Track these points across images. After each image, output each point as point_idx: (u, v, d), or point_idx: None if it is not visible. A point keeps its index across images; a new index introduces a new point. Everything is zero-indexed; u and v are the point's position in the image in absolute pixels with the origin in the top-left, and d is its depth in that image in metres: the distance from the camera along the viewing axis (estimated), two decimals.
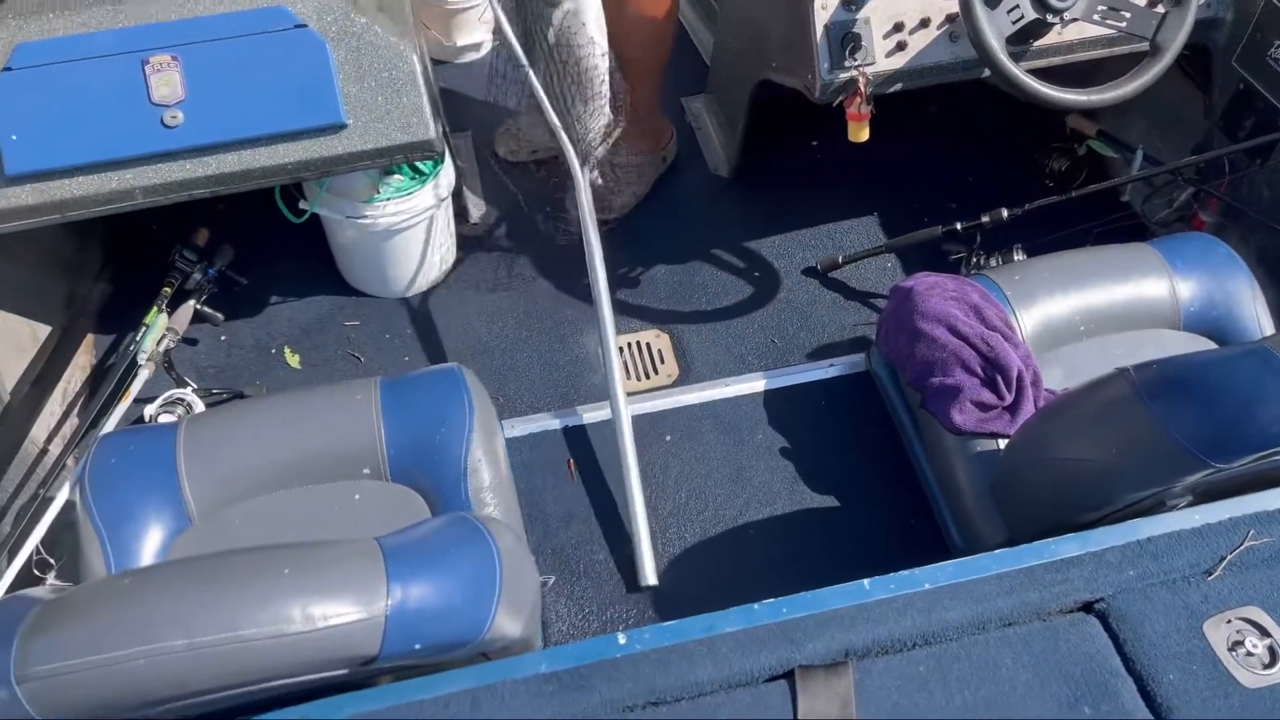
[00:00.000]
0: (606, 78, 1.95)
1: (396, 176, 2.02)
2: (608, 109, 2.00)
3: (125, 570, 1.28)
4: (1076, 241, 2.05)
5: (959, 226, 2.03)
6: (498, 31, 2.00)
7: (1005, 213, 1.98)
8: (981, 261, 2.05)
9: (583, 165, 2.03)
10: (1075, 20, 1.79)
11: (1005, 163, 2.45)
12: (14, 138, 1.63)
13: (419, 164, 2.03)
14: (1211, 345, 1.66)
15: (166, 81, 1.67)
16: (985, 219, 2.00)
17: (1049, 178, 2.33)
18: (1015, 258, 2.01)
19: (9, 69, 1.63)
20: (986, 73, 1.81)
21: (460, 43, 2.74)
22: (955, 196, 2.37)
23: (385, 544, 1.01)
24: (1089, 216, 2.15)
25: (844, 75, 1.86)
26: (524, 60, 1.96)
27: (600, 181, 2.10)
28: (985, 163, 2.47)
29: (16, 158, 1.63)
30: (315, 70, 1.72)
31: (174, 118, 1.67)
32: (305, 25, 1.72)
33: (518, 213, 2.35)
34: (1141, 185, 2.19)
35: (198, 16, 1.70)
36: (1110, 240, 1.89)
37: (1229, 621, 1.12)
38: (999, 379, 1.59)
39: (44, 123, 1.63)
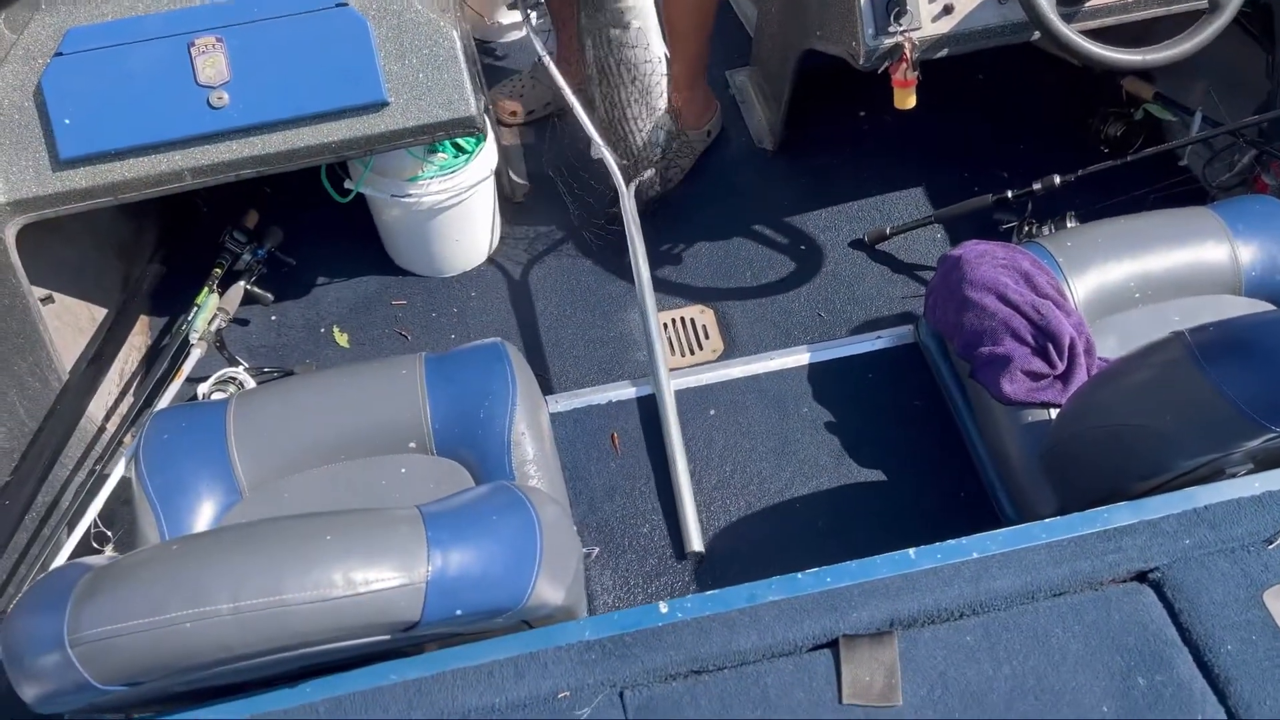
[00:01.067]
0: (666, 88, 1.97)
1: (440, 155, 2.03)
2: (668, 117, 2.01)
3: (174, 538, 1.30)
4: (1133, 208, 1.99)
5: (1010, 194, 1.99)
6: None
7: (1058, 179, 1.93)
8: (1034, 230, 2.00)
9: (639, 171, 2.05)
10: None
11: (1058, 129, 2.38)
12: (67, 121, 1.66)
13: (462, 141, 2.04)
14: (1276, 311, 1.61)
15: (212, 63, 1.69)
16: (1037, 186, 1.95)
17: (1104, 143, 2.27)
18: (1069, 225, 1.96)
19: (60, 54, 1.66)
20: (1037, 35, 1.76)
21: (504, 21, 2.75)
22: (1006, 165, 2.32)
23: (427, 511, 1.02)
24: (1146, 182, 2.09)
25: (889, 41, 1.82)
26: (563, 85, 2.01)
27: (658, 187, 2.12)
28: (1037, 130, 2.41)
29: (70, 141, 1.66)
30: (357, 49, 1.73)
31: (220, 99, 1.69)
32: (346, 4, 1.72)
33: (559, 195, 2.35)
34: (1201, 148, 2.12)
35: None
36: (1168, 206, 1.84)
37: None
38: (1050, 347, 1.56)
39: (95, 106, 1.66)
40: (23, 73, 1.65)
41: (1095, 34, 1.79)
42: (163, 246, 2.22)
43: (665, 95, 2.01)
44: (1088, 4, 1.82)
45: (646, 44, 1.92)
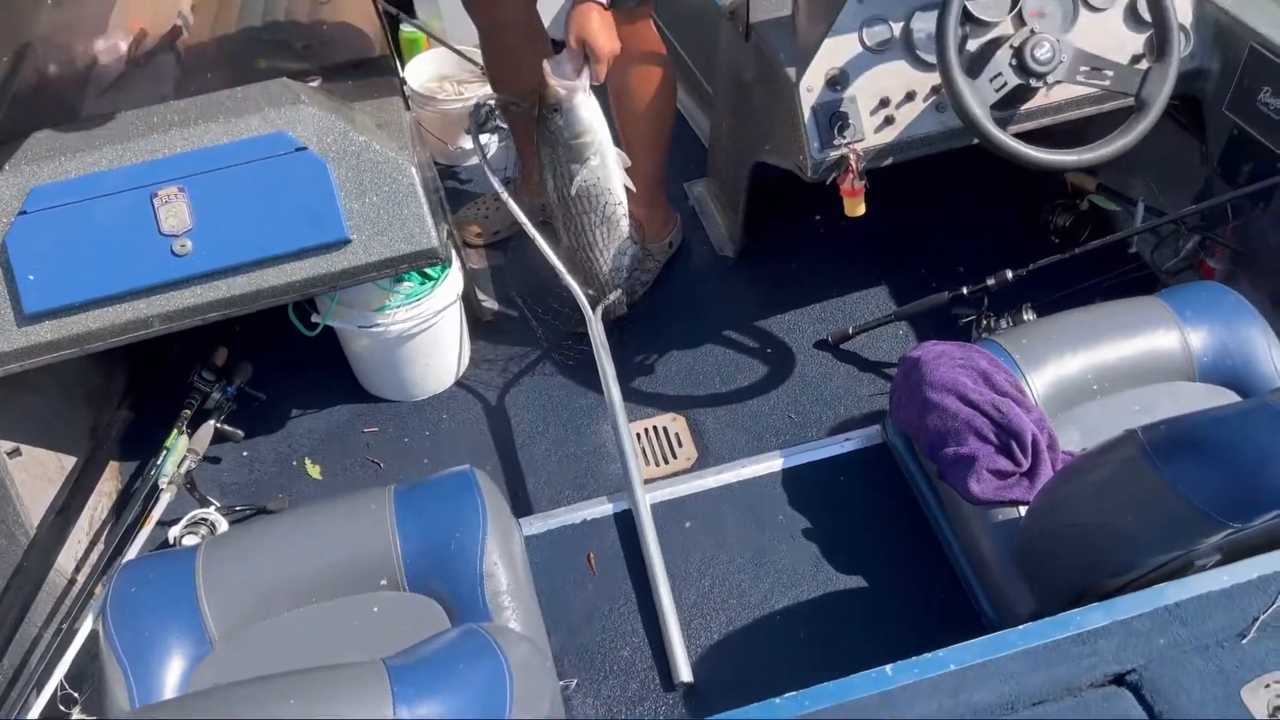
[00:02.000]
0: (627, 214, 2.04)
1: (406, 283, 2.06)
2: (629, 240, 2.07)
3: (144, 707, 1.28)
4: (1087, 297, 2.04)
5: (965, 291, 2.03)
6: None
7: (1010, 274, 1.98)
8: (992, 324, 2.03)
9: (606, 294, 2.10)
10: (1059, 82, 1.81)
11: (1009, 222, 2.45)
12: (31, 277, 1.68)
13: (427, 269, 2.07)
14: (1231, 395, 1.63)
15: (175, 212, 1.73)
16: (991, 281, 2.00)
17: (1054, 234, 2.33)
18: (1025, 317, 2.00)
19: (24, 212, 1.69)
20: (976, 140, 1.83)
21: (466, 146, 2.81)
22: (962, 260, 2.37)
23: (392, 665, 1.01)
24: (1098, 271, 2.14)
25: (835, 154, 1.88)
26: (523, 220, 2.08)
27: (624, 307, 2.16)
28: (988, 225, 2.47)
29: (34, 296, 1.68)
30: (318, 190, 1.77)
31: (183, 246, 1.72)
32: (306, 148, 1.77)
33: (529, 308, 2.38)
34: (1149, 235, 2.18)
35: (202, 148, 1.76)
36: (1122, 293, 1.88)
37: (1268, 686, 1.08)
38: (1014, 445, 1.57)
39: (59, 261, 1.69)
40: None
41: (1032, 135, 1.86)
42: (131, 390, 2.22)
43: (628, 222, 2.05)
44: (1022, 108, 1.90)
45: (607, 175, 1.97)
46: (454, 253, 2.09)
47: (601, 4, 1.83)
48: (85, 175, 1.72)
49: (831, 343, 2.26)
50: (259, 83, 1.85)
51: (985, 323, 2.03)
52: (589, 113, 1.90)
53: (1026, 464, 1.57)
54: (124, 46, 2.17)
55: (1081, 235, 2.27)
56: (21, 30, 2.06)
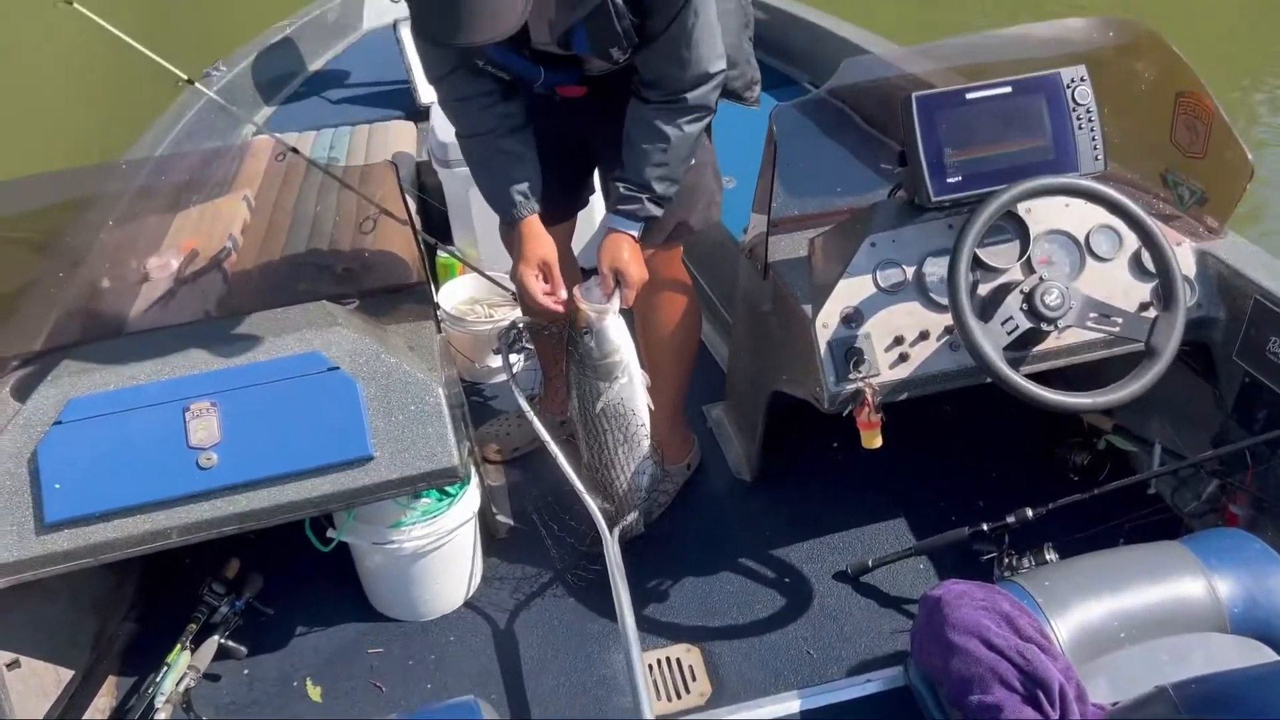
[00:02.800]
0: (649, 434, 2.07)
1: (424, 500, 2.06)
2: (649, 460, 2.10)
3: None
4: (1108, 538, 2.01)
5: (985, 528, 2.01)
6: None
7: (1030, 512, 1.96)
8: (1014, 562, 2.00)
9: (623, 514, 2.11)
10: (1070, 327, 1.86)
11: (1027, 458, 2.45)
12: (57, 486, 1.71)
13: (447, 487, 2.08)
14: (1264, 650, 1.58)
15: (204, 426, 1.77)
16: (1011, 519, 1.98)
17: (1072, 471, 2.33)
18: (1047, 557, 1.97)
19: (60, 422, 1.74)
20: (991, 379, 1.87)
21: (491, 365, 2.90)
22: (981, 494, 2.36)
23: None
24: (1118, 510, 2.12)
25: (850, 387, 1.92)
26: (546, 437, 2.10)
27: (641, 527, 2.17)
28: (1006, 459, 2.48)
29: (57, 505, 1.70)
30: (346, 409, 1.81)
31: (208, 459, 1.75)
32: (338, 368, 1.83)
33: (544, 524, 2.37)
34: (1168, 477, 2.18)
35: (239, 365, 1.82)
36: (1143, 534, 1.85)
37: None
38: (1040, 695, 1.50)
39: (87, 470, 1.72)
40: (20, 441, 1.72)
41: (1046, 375, 1.90)
42: (140, 600, 2.20)
43: (649, 442, 2.08)
44: (1034, 349, 1.94)
45: (632, 396, 2.02)
46: (473, 469, 2.11)
47: (633, 235, 1.93)
48: (122, 388, 1.78)
49: (851, 574, 2.22)
50: (299, 305, 1.94)
51: (1007, 561, 1.99)
52: (617, 334, 1.97)
53: (1055, 716, 1.50)
54: (175, 264, 2.29)
55: (1100, 474, 2.27)
56: (83, 246, 2.18)
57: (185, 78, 2.57)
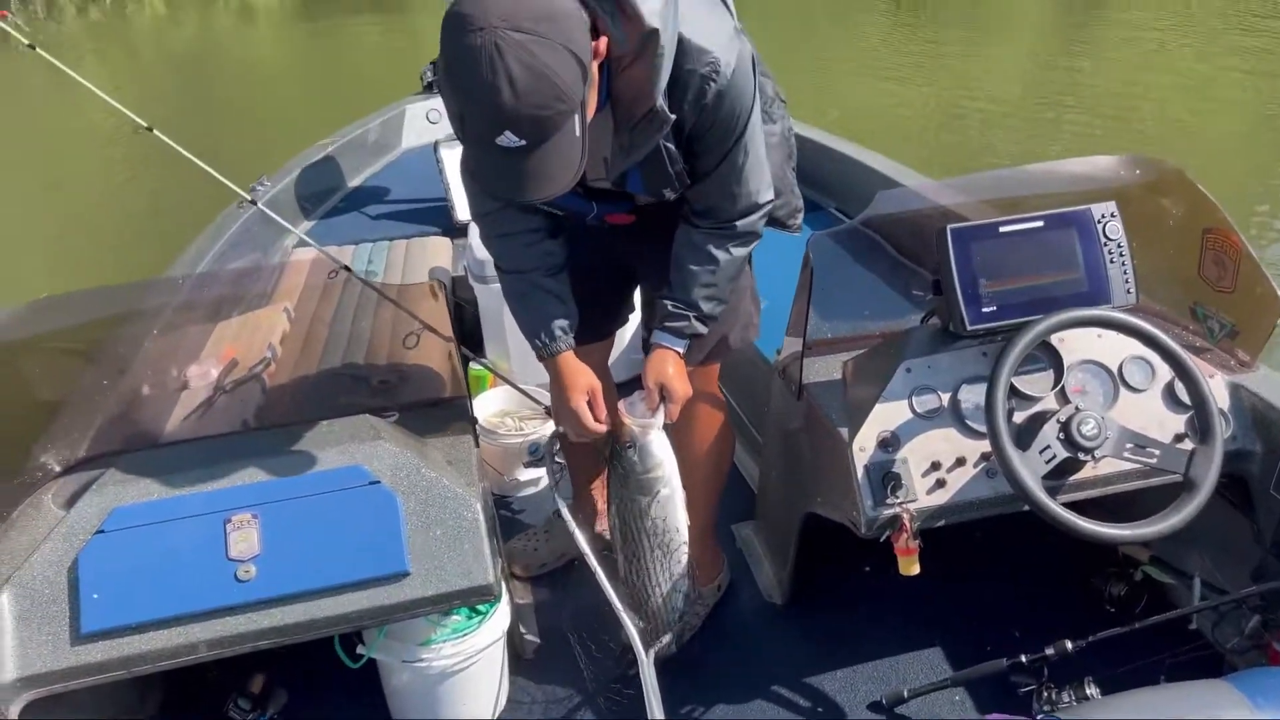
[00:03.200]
0: (688, 550, 2.06)
1: (454, 617, 2.05)
2: (685, 578, 2.08)
3: None
4: (1149, 672, 1.97)
5: (1024, 659, 1.97)
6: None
7: (1069, 645, 1.93)
8: (1054, 696, 1.95)
9: (658, 635, 2.08)
10: (1106, 456, 1.87)
11: (1064, 587, 2.42)
12: (95, 596, 1.71)
13: (478, 605, 2.07)
14: None
15: (245, 538, 1.78)
16: (1050, 651, 1.94)
17: (1109, 603, 2.29)
18: (1088, 691, 1.92)
19: (102, 531, 1.75)
20: (1029, 508, 1.86)
21: (521, 478, 2.91)
22: (1018, 623, 2.32)
23: None
24: (1158, 643, 2.08)
25: (888, 512, 1.92)
26: (585, 548, 2.09)
27: (674, 648, 2.14)
28: (1044, 587, 2.45)
29: (93, 616, 1.69)
30: (385, 523, 1.82)
31: (247, 572, 1.75)
32: (379, 482, 1.84)
33: (570, 650, 2.33)
34: (1208, 611, 2.14)
35: (283, 478, 1.84)
36: (1184, 669, 1.81)
37: None
38: None
39: (125, 581, 1.72)
40: (62, 549, 1.73)
41: (1080, 504, 1.89)
42: (163, 713, 2.17)
43: (687, 559, 2.07)
44: (1071, 479, 1.94)
45: (675, 510, 2.02)
46: (504, 587, 2.09)
47: (678, 351, 1.96)
48: (165, 498, 1.79)
49: (886, 705, 2.17)
50: (343, 418, 1.97)
51: (1046, 694, 1.95)
52: (661, 449, 1.98)
53: None
54: (215, 373, 2.33)
55: (1137, 605, 2.23)
56: (128, 355, 2.23)
57: (247, 197, 2.68)
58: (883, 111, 8.59)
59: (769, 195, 1.89)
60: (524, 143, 1.47)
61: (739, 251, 1.92)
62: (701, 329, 1.96)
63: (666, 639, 2.10)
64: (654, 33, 1.57)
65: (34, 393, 2.06)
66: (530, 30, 1.42)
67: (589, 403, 1.99)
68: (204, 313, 2.47)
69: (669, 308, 1.94)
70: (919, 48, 11.56)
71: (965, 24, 12.38)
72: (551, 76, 1.43)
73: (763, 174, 1.85)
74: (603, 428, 1.99)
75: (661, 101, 1.64)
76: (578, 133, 1.51)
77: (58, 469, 1.96)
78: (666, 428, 2.02)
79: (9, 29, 2.54)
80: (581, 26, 1.49)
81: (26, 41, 2.45)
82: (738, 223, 1.88)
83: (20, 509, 1.88)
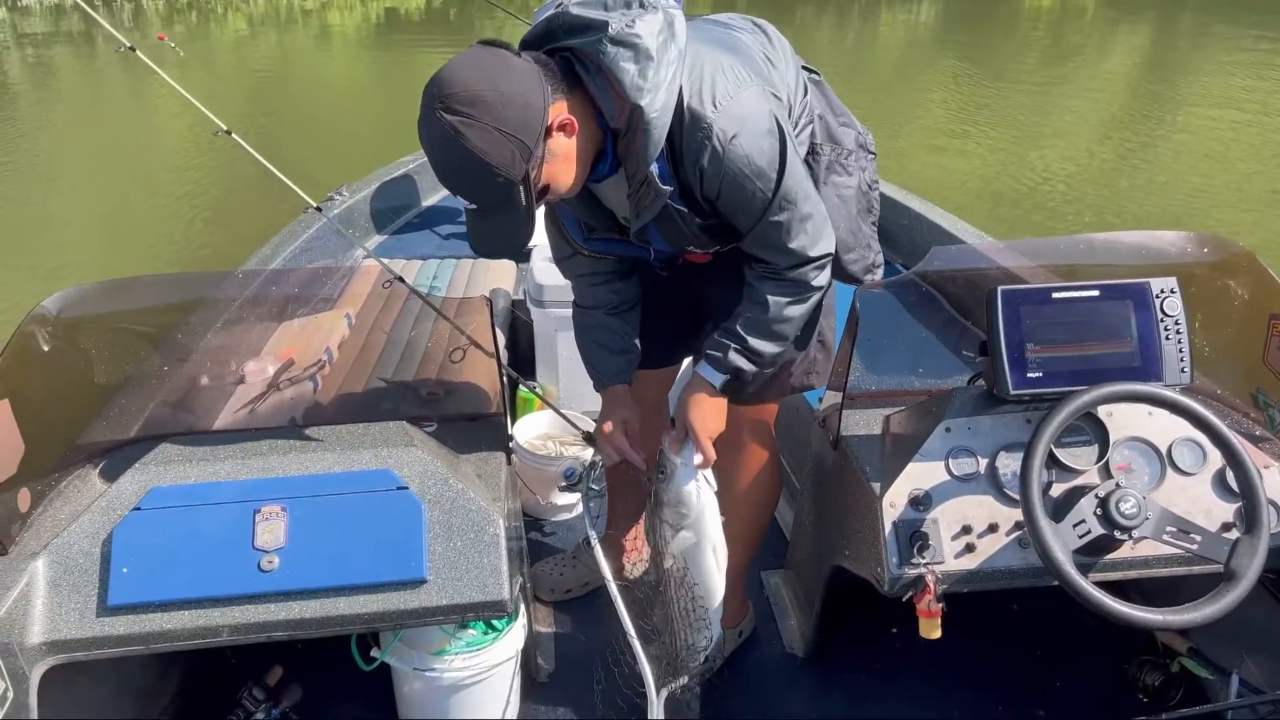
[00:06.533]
0: (714, 597, 2.05)
1: (470, 630, 2.06)
2: (709, 624, 2.07)
3: None
4: None
5: None
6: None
7: None
8: None
9: (676, 675, 2.06)
10: (1145, 538, 1.81)
11: (1094, 668, 2.34)
12: (125, 570, 1.76)
13: (493, 620, 2.08)
14: None
15: (271, 529, 1.82)
16: None
17: (1141, 692, 2.21)
18: None
19: (139, 508, 1.81)
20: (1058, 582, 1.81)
21: (557, 502, 2.92)
22: (1043, 702, 2.25)
23: None
24: None
25: (913, 572, 1.88)
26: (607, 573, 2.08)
27: (696, 689, 2.12)
28: (1072, 667, 2.37)
29: (121, 589, 1.75)
30: (408, 528, 1.84)
31: (270, 562, 1.79)
32: (406, 488, 1.87)
33: (585, 677, 2.32)
34: (1245, 710, 2.05)
35: (314, 474, 1.88)
36: None
37: None
38: None
39: (154, 559, 1.77)
40: (100, 522, 1.79)
41: (1116, 586, 1.83)
42: (180, 694, 2.21)
43: (715, 605, 2.05)
44: (1106, 557, 1.88)
45: (701, 556, 2.01)
46: (522, 606, 2.10)
47: (713, 385, 1.96)
48: (202, 483, 1.85)
49: None
50: (380, 422, 2.01)
51: None
52: (692, 489, 1.98)
53: None
54: (271, 370, 2.39)
55: (1171, 698, 2.15)
56: (189, 344, 2.31)
57: (315, 206, 2.77)
58: (941, 172, 8.52)
59: (824, 249, 1.87)
60: (474, 206, 1.65)
61: (790, 298, 1.90)
62: (742, 364, 1.94)
63: (683, 681, 2.07)
64: (637, 108, 1.63)
65: (99, 369, 2.14)
66: (461, 112, 1.55)
67: (626, 433, 2.02)
68: (269, 310, 2.54)
69: (714, 336, 1.95)
70: (985, 103, 11.39)
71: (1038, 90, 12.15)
72: (481, 156, 1.56)
73: (815, 229, 1.84)
74: (632, 455, 2.00)
75: (655, 169, 1.70)
76: (523, 202, 1.62)
77: (109, 445, 2.03)
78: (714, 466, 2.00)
79: (112, 29, 2.68)
80: (525, 107, 1.58)
81: (127, 44, 2.59)
82: (787, 273, 1.88)
83: (69, 480, 1.95)
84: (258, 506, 1.83)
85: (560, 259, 2.13)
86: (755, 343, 1.92)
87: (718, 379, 1.96)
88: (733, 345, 1.92)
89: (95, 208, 7.74)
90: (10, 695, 1.64)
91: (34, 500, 1.86)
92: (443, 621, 1.88)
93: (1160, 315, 1.93)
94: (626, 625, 2.05)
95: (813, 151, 1.99)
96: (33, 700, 1.69)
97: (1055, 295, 1.93)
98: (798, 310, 1.92)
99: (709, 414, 1.95)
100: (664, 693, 2.01)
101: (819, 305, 2.07)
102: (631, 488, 2.37)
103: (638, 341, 2.12)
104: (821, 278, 1.91)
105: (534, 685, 2.32)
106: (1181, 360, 1.92)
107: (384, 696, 2.19)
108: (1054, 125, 10.33)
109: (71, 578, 1.75)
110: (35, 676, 1.70)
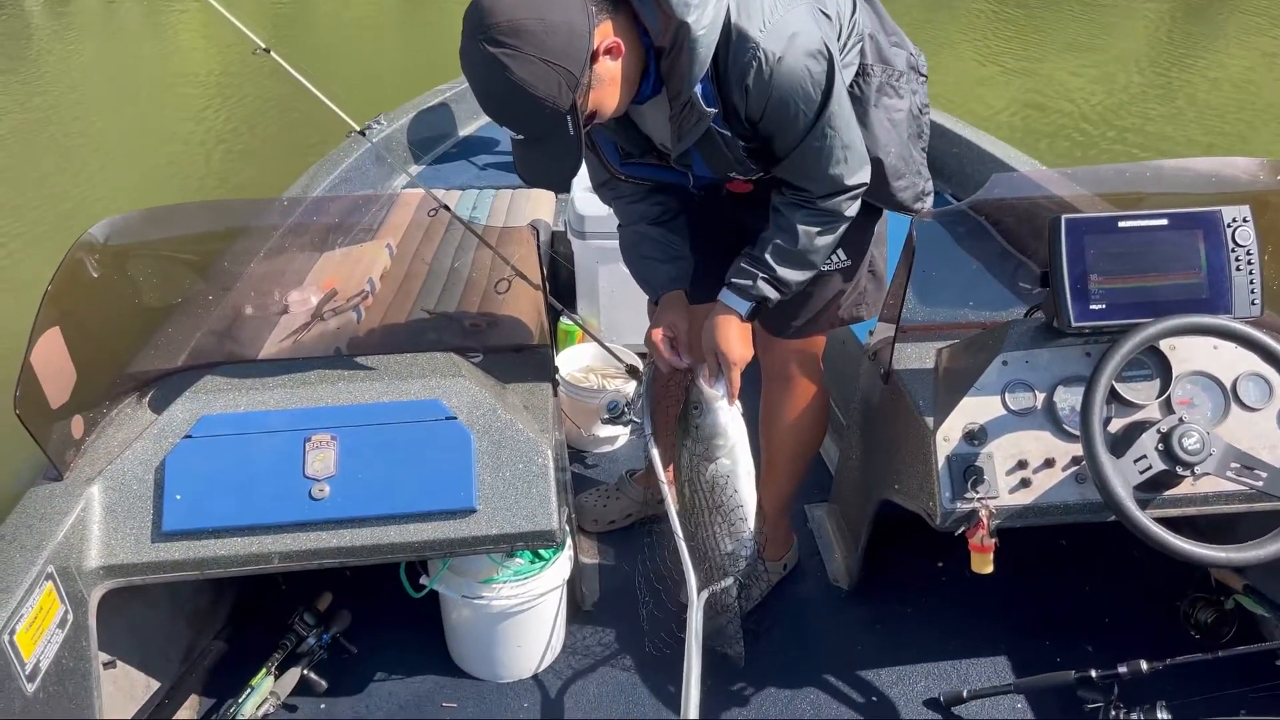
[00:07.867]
0: (748, 518, 2.03)
1: (517, 560, 2.07)
2: (747, 546, 2.05)
3: None
4: (1227, 704, 1.88)
5: (1094, 674, 1.89)
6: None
7: (1145, 665, 1.84)
8: (1121, 715, 1.88)
9: (717, 578, 2.05)
10: (1207, 474, 1.77)
11: (1144, 605, 2.32)
12: (178, 497, 1.77)
13: (541, 550, 2.08)
14: None
15: (322, 458, 1.82)
16: (1123, 669, 1.86)
17: (1193, 628, 2.18)
18: (1159, 715, 1.84)
19: (190, 436, 1.81)
20: (1116, 518, 1.78)
21: (599, 434, 2.91)
22: (1090, 637, 2.24)
23: None
24: (1241, 676, 1.97)
25: (966, 507, 1.86)
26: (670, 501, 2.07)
27: (734, 608, 2.11)
28: (1123, 603, 2.35)
29: (175, 515, 1.76)
30: (457, 458, 1.84)
31: (321, 491, 1.80)
32: (455, 418, 1.87)
33: (629, 605, 2.33)
34: None
35: (364, 403, 1.88)
36: (1267, 705, 1.72)
37: None
38: None
39: (207, 486, 1.78)
40: (152, 449, 1.80)
41: (1174, 522, 1.80)
42: (233, 620, 2.25)
43: (749, 529, 2.03)
44: (1166, 493, 1.85)
45: (737, 481, 1.99)
46: (568, 537, 2.10)
47: (740, 314, 1.91)
48: (252, 411, 1.85)
49: (943, 704, 2.12)
50: (427, 353, 1.99)
51: (1115, 715, 1.87)
52: (725, 419, 1.96)
53: None
54: (315, 300, 2.39)
55: (1224, 635, 2.12)
56: (233, 273, 2.30)
57: (358, 129, 2.72)
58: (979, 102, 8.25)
59: (859, 179, 1.81)
60: (521, 136, 1.60)
61: (820, 227, 1.84)
62: (769, 292, 1.88)
63: (727, 582, 2.06)
64: (684, 25, 1.57)
65: (145, 297, 2.14)
66: (505, 44, 1.48)
67: (672, 339, 1.98)
68: (311, 240, 2.53)
69: (740, 264, 1.90)
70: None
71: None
72: (526, 88, 1.50)
73: (852, 157, 1.77)
74: (678, 360, 1.98)
75: (699, 90, 1.64)
76: (571, 132, 1.57)
77: (158, 374, 2.04)
78: (752, 397, 1.97)
79: None
80: (569, 33, 1.52)
81: None
82: (821, 201, 1.82)
83: (120, 407, 1.96)
84: (308, 435, 1.83)
85: (598, 184, 2.08)
86: (784, 272, 1.87)
87: (744, 307, 1.91)
88: (760, 274, 1.87)
89: (126, 135, 7.70)
90: (70, 618, 1.67)
91: (87, 427, 1.87)
92: (492, 550, 1.89)
93: (1231, 245, 1.86)
94: (673, 518, 2.03)
95: (863, 72, 1.90)
96: (92, 623, 1.72)
97: (1121, 224, 1.86)
98: (826, 240, 1.86)
99: (735, 341, 1.91)
100: (704, 594, 2.00)
101: (870, 231, 2.02)
102: (673, 425, 2.35)
103: (688, 249, 2.06)
104: (853, 208, 1.86)
105: (579, 613, 2.34)
106: (1252, 292, 1.86)
107: (432, 623, 2.21)
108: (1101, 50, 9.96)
109: (126, 504, 1.77)
110: (94, 600, 1.73)
